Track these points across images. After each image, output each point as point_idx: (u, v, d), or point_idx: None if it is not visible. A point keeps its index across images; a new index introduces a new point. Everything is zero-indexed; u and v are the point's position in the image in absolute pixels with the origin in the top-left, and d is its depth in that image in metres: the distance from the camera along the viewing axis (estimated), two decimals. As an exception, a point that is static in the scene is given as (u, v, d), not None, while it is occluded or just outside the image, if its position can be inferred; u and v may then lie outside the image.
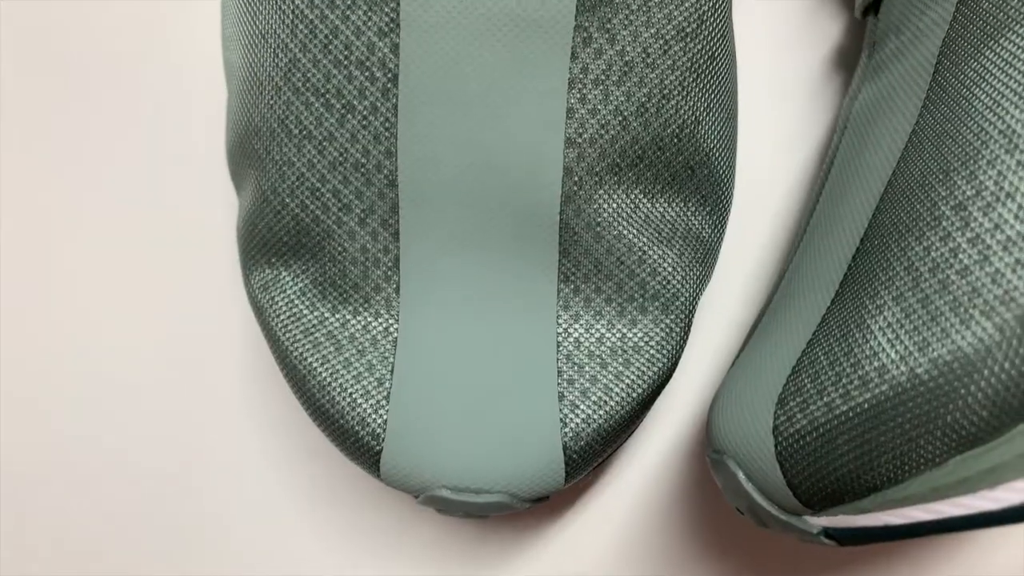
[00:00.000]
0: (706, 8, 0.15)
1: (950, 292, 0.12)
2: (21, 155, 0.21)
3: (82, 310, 0.20)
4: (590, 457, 0.15)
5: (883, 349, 0.12)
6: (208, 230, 0.20)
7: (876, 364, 0.12)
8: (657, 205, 0.15)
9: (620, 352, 0.15)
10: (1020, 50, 0.13)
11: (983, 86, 0.13)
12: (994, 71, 0.13)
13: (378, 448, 0.15)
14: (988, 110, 0.13)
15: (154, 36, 0.21)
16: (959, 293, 0.12)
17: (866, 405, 0.12)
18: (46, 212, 0.21)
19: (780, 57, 0.21)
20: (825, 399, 0.13)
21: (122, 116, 0.21)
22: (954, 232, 0.12)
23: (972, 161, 0.13)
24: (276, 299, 0.16)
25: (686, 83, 0.15)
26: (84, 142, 0.21)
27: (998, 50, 0.13)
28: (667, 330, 0.16)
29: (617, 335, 0.15)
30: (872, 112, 0.16)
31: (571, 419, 0.15)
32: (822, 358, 0.13)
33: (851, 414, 0.12)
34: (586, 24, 0.14)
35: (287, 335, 0.16)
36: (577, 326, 0.15)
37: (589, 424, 0.15)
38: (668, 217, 0.16)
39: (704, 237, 0.16)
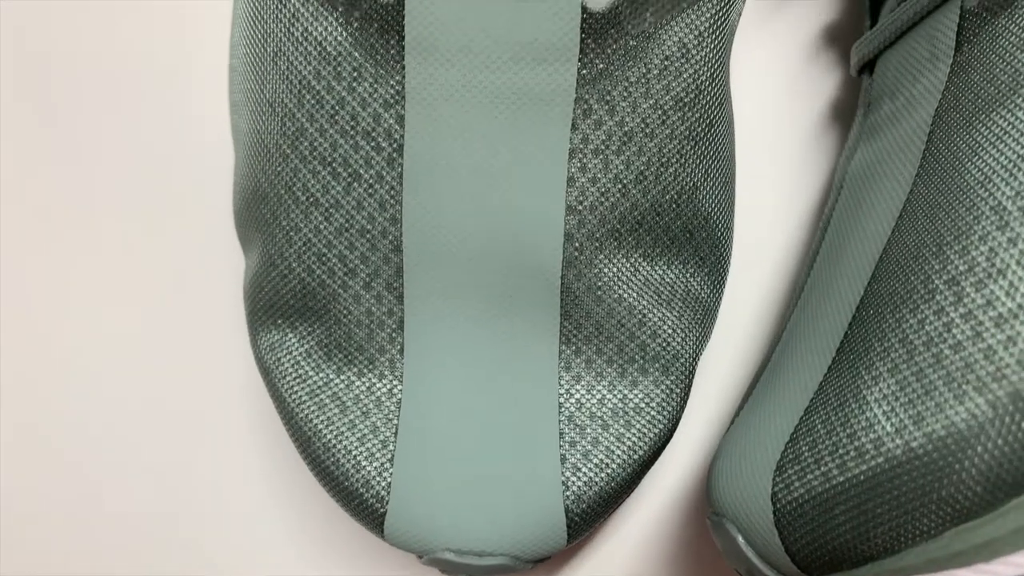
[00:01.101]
0: (703, 79, 0.15)
1: (944, 366, 0.12)
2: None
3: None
4: (592, 519, 0.15)
5: (879, 421, 0.13)
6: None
7: (872, 436, 0.13)
8: (657, 268, 0.16)
9: (622, 413, 0.15)
10: (1011, 126, 0.13)
11: (975, 160, 0.13)
12: (986, 146, 0.13)
13: (382, 510, 0.15)
14: (980, 185, 0.13)
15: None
16: (953, 368, 0.12)
17: (862, 476, 0.12)
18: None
19: (778, 111, 0.21)
20: (822, 468, 0.13)
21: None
22: (947, 307, 0.13)
23: (965, 236, 0.13)
24: (282, 360, 0.16)
25: (684, 151, 0.15)
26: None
27: (990, 124, 0.14)
28: (668, 391, 0.16)
29: (619, 396, 0.16)
30: (867, 175, 0.17)
31: (573, 482, 0.15)
32: (819, 427, 0.13)
33: (848, 485, 0.13)
34: (586, 96, 0.15)
35: (292, 396, 0.16)
36: (579, 387, 0.16)
37: (591, 487, 0.15)
38: (667, 280, 0.16)
39: (703, 298, 0.16)
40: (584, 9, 0.14)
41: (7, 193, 0.21)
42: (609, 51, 0.14)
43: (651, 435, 0.16)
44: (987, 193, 0.13)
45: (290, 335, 0.16)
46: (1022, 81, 0.13)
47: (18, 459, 0.20)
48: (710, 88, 0.15)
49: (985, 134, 0.14)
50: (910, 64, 0.16)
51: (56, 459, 0.20)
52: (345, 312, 0.16)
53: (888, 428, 0.12)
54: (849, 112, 0.21)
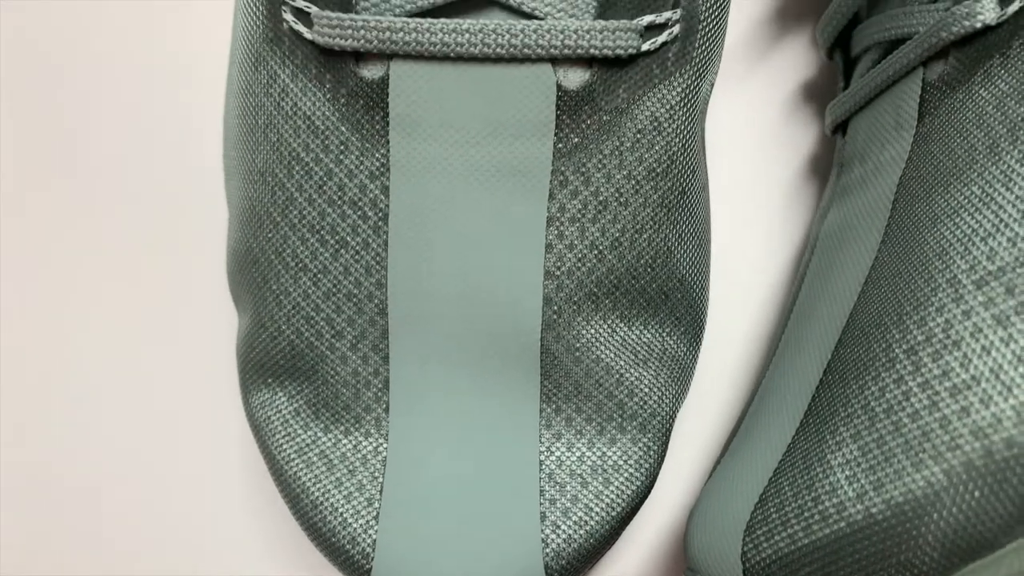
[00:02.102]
0: (675, 149, 0.16)
1: (902, 434, 0.13)
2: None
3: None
4: (571, 575, 0.16)
5: (841, 486, 0.13)
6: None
7: (835, 501, 0.13)
8: (633, 329, 0.16)
9: (600, 471, 0.16)
10: (967, 200, 0.14)
11: (934, 231, 0.14)
12: (943, 218, 0.14)
13: (367, 566, 0.15)
14: (937, 257, 0.14)
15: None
16: (911, 436, 0.13)
17: (826, 540, 0.13)
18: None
19: (756, 167, 0.22)
20: (789, 531, 0.13)
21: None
22: (906, 376, 0.13)
23: (923, 307, 0.13)
24: (272, 418, 0.17)
25: (658, 217, 0.16)
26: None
27: (947, 197, 0.14)
28: (645, 448, 0.16)
29: (597, 454, 0.16)
30: (838, 237, 0.17)
31: (552, 539, 0.15)
32: (787, 489, 0.14)
33: (812, 547, 0.13)
34: (562, 168, 0.15)
35: (282, 454, 0.16)
36: (559, 444, 0.16)
37: (570, 544, 0.15)
38: (644, 340, 0.16)
39: (679, 356, 0.17)
40: (559, 87, 0.15)
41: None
42: (583, 126, 0.15)
43: (629, 492, 0.16)
44: (944, 265, 0.13)
45: (279, 394, 0.17)
46: (977, 157, 0.14)
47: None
48: (682, 157, 0.16)
49: (943, 206, 0.14)
50: (878, 130, 0.17)
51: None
52: (332, 372, 0.16)
53: (850, 493, 0.13)
54: (826, 166, 0.22)
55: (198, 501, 0.20)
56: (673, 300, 0.17)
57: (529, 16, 0.14)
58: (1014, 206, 0.13)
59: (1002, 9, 0.14)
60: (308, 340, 0.16)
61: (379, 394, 0.16)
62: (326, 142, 0.15)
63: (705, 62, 0.16)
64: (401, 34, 0.14)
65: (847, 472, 0.13)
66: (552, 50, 0.14)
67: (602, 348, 0.16)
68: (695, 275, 0.17)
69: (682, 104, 0.16)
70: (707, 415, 0.20)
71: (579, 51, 0.14)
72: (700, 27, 0.15)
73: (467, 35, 0.14)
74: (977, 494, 0.12)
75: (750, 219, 0.21)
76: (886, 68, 0.17)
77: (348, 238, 0.16)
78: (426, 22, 0.14)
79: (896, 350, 0.13)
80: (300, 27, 0.15)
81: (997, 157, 0.14)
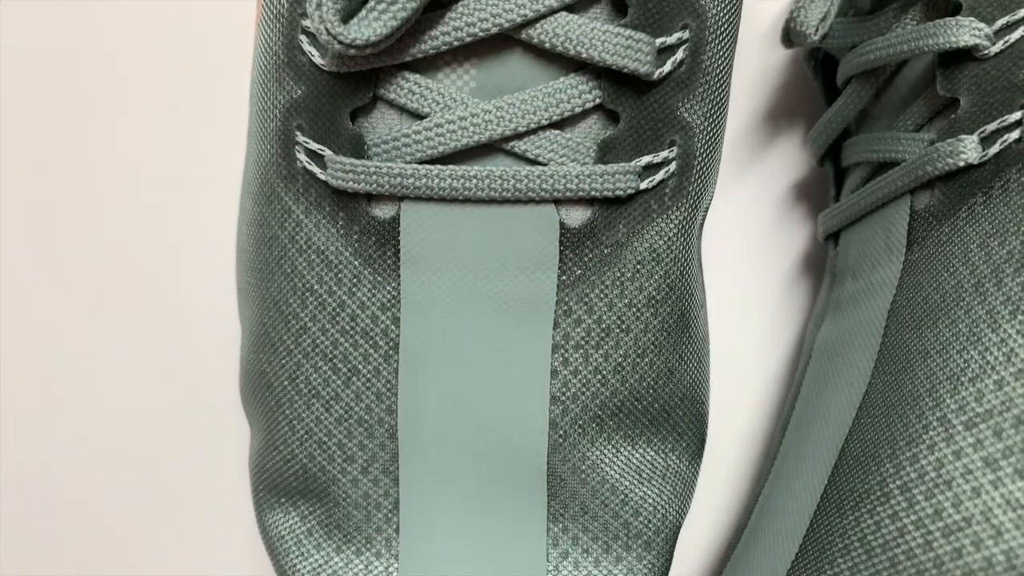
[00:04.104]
0: (674, 277, 0.16)
1: (899, 572, 0.13)
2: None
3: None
4: None
5: (841, 621, 0.13)
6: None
7: (835, 636, 0.13)
8: (637, 448, 0.17)
9: (606, 589, 0.16)
10: (954, 337, 0.14)
11: (923, 366, 0.15)
12: (932, 353, 0.15)
13: None
14: (927, 394, 0.14)
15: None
16: (906, 575, 0.13)
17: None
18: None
19: (750, 269, 0.22)
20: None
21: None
22: (901, 512, 0.14)
23: (915, 444, 0.14)
24: (286, 537, 0.17)
25: (659, 341, 0.17)
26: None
27: (936, 332, 0.15)
28: (650, 566, 0.17)
29: (604, 572, 0.16)
30: (832, 353, 0.18)
31: (560, 661, 0.16)
32: (788, 619, 0.14)
33: None
34: (566, 299, 0.16)
35: (295, 573, 0.17)
36: (566, 563, 0.16)
37: (577, 666, 0.16)
38: (648, 458, 0.17)
39: (682, 471, 0.17)
40: (562, 225, 0.15)
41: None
42: (586, 259, 0.16)
43: (634, 609, 0.16)
44: (934, 403, 0.14)
45: (293, 514, 0.17)
46: (963, 295, 0.15)
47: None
48: (680, 283, 0.17)
49: (932, 341, 0.15)
50: (869, 249, 0.18)
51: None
52: (344, 495, 0.17)
53: (850, 629, 0.13)
54: (819, 262, 0.23)
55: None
56: (675, 417, 0.17)
57: (533, 162, 0.15)
58: (999, 348, 0.14)
59: (984, 150, 0.15)
60: (320, 464, 0.17)
61: (390, 515, 0.16)
62: (339, 275, 0.16)
63: (700, 193, 0.16)
64: (412, 180, 0.15)
65: (846, 607, 0.14)
66: (555, 193, 0.15)
67: (607, 468, 0.17)
68: (696, 391, 0.18)
69: (679, 235, 0.16)
70: (709, 523, 0.21)
71: (581, 193, 0.15)
72: (696, 163, 0.16)
73: (475, 181, 0.15)
74: (972, 638, 0.12)
75: (744, 319, 0.22)
76: (874, 190, 0.17)
77: (360, 366, 0.16)
78: (435, 168, 0.15)
79: (891, 485, 0.14)
80: (314, 168, 0.16)
81: (983, 297, 0.14)
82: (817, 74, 0.22)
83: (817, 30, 0.18)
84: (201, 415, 0.22)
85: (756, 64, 0.24)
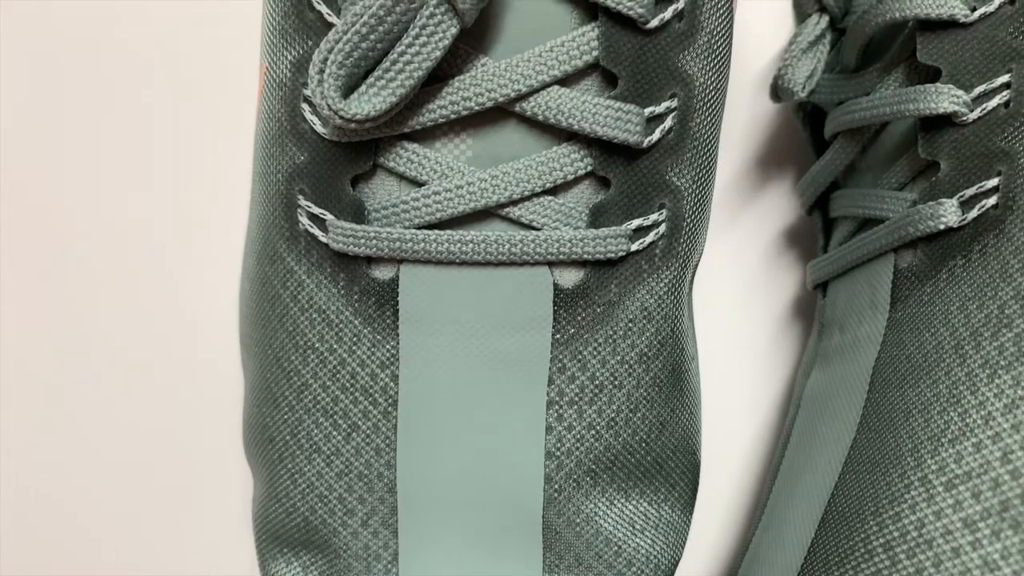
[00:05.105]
0: (665, 333, 0.17)
1: (882, 630, 0.14)
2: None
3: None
4: None
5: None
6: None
7: None
8: (631, 501, 0.17)
9: (600, 639, 0.17)
10: (935, 397, 0.15)
11: (906, 426, 0.15)
12: (915, 413, 0.15)
13: None
14: (910, 454, 0.15)
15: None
16: (890, 633, 0.13)
17: None
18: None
19: (741, 314, 0.23)
20: None
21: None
22: (884, 570, 0.14)
23: (897, 503, 0.14)
24: (288, 588, 0.17)
25: (651, 396, 0.17)
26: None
27: (918, 392, 0.15)
28: (642, 616, 0.17)
29: (597, 622, 0.17)
30: (820, 404, 0.18)
31: None
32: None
33: None
34: (560, 356, 0.16)
35: (297, 623, 0.17)
36: (561, 614, 0.17)
37: None
38: (641, 510, 0.17)
39: (674, 522, 0.18)
40: (556, 286, 0.16)
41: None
42: (579, 318, 0.16)
43: (628, 659, 0.17)
44: (916, 462, 0.14)
45: (295, 564, 0.17)
46: (944, 356, 0.15)
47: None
48: (671, 339, 0.17)
49: (914, 400, 0.15)
50: (855, 303, 0.18)
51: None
52: (345, 546, 0.17)
53: None
54: (807, 308, 0.23)
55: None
56: (668, 469, 0.18)
57: (527, 227, 0.16)
58: (977, 411, 0.14)
59: (963, 214, 0.16)
60: (321, 516, 0.17)
61: (389, 566, 0.17)
62: (340, 334, 0.16)
63: (689, 252, 0.17)
64: (410, 244, 0.15)
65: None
66: (549, 256, 0.16)
67: (601, 521, 0.17)
68: (688, 442, 0.18)
69: (669, 292, 0.17)
70: (697, 566, 0.21)
71: (573, 256, 0.16)
72: (685, 224, 0.17)
73: (471, 245, 0.15)
74: None
75: (736, 365, 0.22)
76: (860, 246, 0.18)
77: (359, 422, 0.17)
78: (433, 233, 0.15)
79: (874, 542, 0.14)
80: (316, 231, 0.16)
81: (962, 359, 0.15)
82: (806, 125, 0.22)
83: (804, 87, 0.19)
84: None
85: (747, 111, 0.24)
